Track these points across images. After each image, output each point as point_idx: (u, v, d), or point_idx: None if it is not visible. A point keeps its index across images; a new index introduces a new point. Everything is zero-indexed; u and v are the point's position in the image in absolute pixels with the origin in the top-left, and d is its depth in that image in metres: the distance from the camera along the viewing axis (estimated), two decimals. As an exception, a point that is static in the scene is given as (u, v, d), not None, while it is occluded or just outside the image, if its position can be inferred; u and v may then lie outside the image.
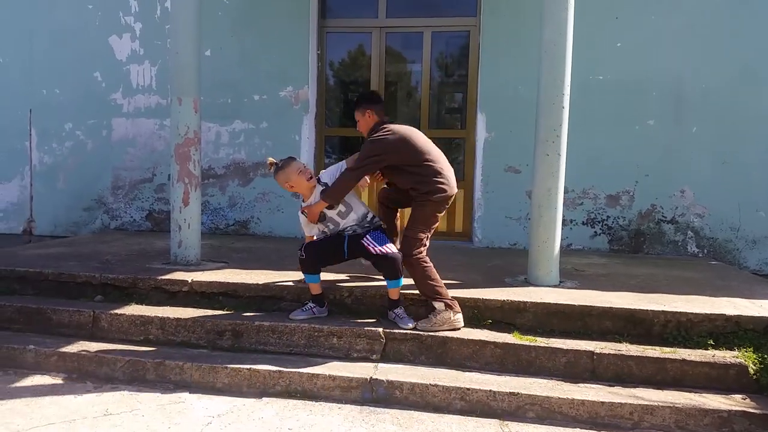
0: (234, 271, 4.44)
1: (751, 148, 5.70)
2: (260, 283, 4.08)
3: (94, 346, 3.69)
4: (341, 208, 3.68)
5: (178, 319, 3.80)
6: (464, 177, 6.36)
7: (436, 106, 6.64)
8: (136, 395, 3.35)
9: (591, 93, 5.76)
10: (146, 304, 4.04)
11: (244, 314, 3.89)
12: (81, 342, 3.75)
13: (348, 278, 4.20)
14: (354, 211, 3.69)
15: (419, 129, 6.18)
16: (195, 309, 3.98)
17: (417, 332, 3.60)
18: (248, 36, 6.36)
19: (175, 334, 3.78)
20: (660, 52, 5.77)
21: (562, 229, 4.42)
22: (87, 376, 3.54)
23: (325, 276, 3.92)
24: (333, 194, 3.61)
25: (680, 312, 3.64)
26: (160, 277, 4.16)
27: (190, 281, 4.12)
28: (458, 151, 6.51)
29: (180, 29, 4.52)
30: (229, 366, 3.45)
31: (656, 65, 5.78)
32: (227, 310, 3.96)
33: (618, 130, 5.84)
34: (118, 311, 3.89)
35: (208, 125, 6.32)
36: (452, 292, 3.75)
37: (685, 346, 3.52)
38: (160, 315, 3.84)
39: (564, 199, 4.33)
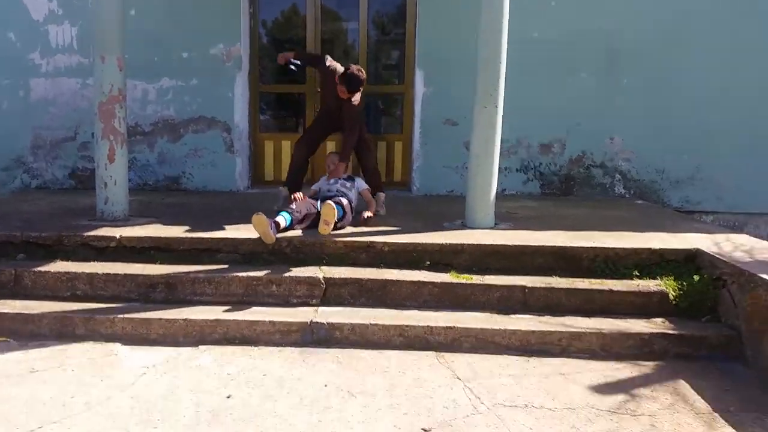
0: (166, 225, 4.29)
1: (676, 96, 5.95)
2: (194, 236, 3.96)
3: (17, 304, 3.50)
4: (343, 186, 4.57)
5: (107, 274, 3.66)
6: (403, 130, 6.37)
7: (374, 63, 6.57)
8: (65, 350, 3.22)
9: (526, 49, 5.78)
10: (73, 261, 3.85)
11: (179, 267, 3.77)
12: (2, 301, 3.55)
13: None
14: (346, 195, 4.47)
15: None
16: (126, 264, 3.83)
17: (357, 276, 3.62)
18: (175, -6, 6.07)
19: (105, 288, 3.64)
20: (592, 9, 5.91)
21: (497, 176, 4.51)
22: (10, 334, 3.36)
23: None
24: (346, 155, 4.75)
25: (608, 247, 3.81)
26: (86, 234, 3.98)
27: (118, 237, 3.96)
28: (396, 105, 6.50)
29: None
30: (163, 317, 3.36)
31: (589, 21, 5.91)
32: (160, 264, 3.83)
33: (552, 83, 5.97)
34: (43, 269, 3.70)
35: (133, 83, 6.01)
36: (394, 238, 3.96)
37: (613, 278, 3.69)
38: (87, 270, 3.68)
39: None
